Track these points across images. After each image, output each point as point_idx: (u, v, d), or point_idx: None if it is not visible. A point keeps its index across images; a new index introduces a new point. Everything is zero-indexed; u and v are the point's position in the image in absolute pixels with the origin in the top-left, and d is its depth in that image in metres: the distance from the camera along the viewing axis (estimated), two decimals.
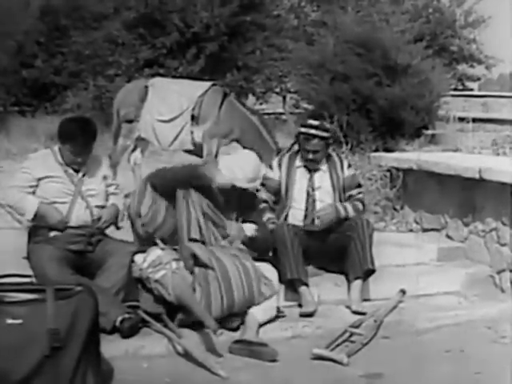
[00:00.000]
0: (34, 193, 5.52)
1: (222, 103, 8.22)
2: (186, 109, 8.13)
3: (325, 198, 6.24)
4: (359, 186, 6.49)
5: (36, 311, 4.01)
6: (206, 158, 8.13)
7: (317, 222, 6.15)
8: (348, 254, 6.02)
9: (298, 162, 6.34)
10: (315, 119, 6.28)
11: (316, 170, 6.30)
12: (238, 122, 8.20)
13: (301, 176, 6.30)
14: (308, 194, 6.26)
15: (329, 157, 6.37)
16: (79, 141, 5.52)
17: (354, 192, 6.31)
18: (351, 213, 6.17)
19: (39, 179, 5.50)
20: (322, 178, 6.30)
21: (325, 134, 6.21)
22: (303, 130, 6.23)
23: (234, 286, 5.29)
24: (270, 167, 6.37)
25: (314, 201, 6.24)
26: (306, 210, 6.23)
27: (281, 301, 5.78)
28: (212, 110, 8.15)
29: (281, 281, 5.83)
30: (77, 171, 5.61)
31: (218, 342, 5.06)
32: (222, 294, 5.26)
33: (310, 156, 6.21)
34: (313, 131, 6.17)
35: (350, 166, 6.46)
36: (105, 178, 5.77)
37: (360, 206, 6.28)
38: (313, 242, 6.11)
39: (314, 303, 5.82)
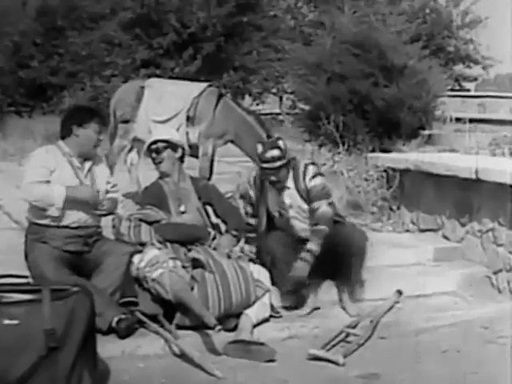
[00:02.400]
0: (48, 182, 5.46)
1: (217, 104, 8.23)
2: (181, 110, 8.15)
3: (301, 215, 5.95)
4: (325, 197, 5.88)
5: (32, 312, 4.00)
6: (202, 158, 8.14)
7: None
8: (341, 272, 5.95)
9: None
10: (274, 148, 5.85)
11: (283, 188, 5.94)
12: (234, 122, 8.21)
13: (272, 196, 6.02)
14: (280, 214, 6.01)
15: (295, 169, 5.95)
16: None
17: (315, 206, 5.82)
18: (316, 247, 5.69)
19: (51, 171, 5.44)
20: (292, 195, 5.93)
21: (285, 161, 5.83)
22: (266, 165, 5.82)
23: (232, 287, 5.29)
24: (249, 184, 6.13)
25: (288, 220, 5.98)
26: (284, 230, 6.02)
27: (277, 303, 5.77)
28: (207, 111, 8.17)
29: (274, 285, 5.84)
30: (81, 163, 5.56)
31: (215, 341, 5.06)
32: (219, 296, 5.26)
33: (273, 178, 5.85)
34: (278, 163, 5.79)
35: (316, 175, 5.91)
36: (107, 181, 5.74)
37: (322, 229, 5.74)
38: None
39: (311, 304, 5.83)
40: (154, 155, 5.87)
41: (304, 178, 5.87)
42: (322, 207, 5.79)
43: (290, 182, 5.92)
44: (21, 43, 18.36)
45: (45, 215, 5.37)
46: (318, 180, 5.91)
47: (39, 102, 18.21)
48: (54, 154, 5.50)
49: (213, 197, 5.97)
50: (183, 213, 5.74)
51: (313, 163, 6.11)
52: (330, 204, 5.89)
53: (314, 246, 5.69)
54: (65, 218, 5.43)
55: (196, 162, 8.11)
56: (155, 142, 5.89)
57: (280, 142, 5.88)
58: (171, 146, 5.89)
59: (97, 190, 5.54)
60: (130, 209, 5.83)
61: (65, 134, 5.56)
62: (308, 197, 5.86)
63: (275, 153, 5.79)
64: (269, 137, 8.26)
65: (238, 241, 5.83)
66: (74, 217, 5.46)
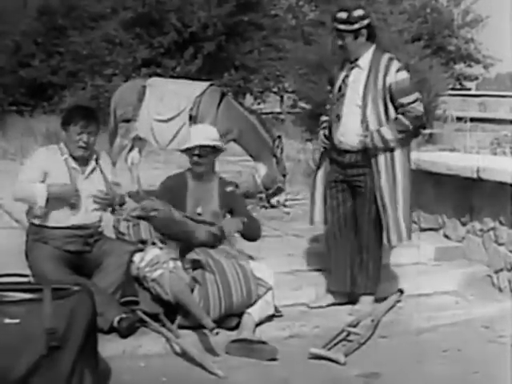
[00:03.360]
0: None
1: (219, 103, 8.22)
2: (184, 109, 8.13)
3: (354, 99, 5.66)
4: (415, 90, 5.68)
5: (33, 311, 3.99)
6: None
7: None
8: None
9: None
10: (345, 10, 5.63)
11: (354, 63, 5.70)
12: (236, 121, 8.21)
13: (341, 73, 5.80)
14: (340, 89, 5.75)
15: (376, 54, 5.71)
16: (89, 115, 5.49)
17: (404, 100, 5.58)
18: (392, 136, 5.58)
19: (46, 173, 5.43)
20: (358, 75, 5.69)
21: (354, 27, 5.58)
22: (334, 24, 5.68)
23: (232, 287, 5.27)
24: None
25: (342, 96, 5.72)
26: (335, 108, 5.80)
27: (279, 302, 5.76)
28: (210, 110, 8.16)
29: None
30: (81, 166, 5.53)
31: (215, 341, 5.05)
32: (220, 296, 5.24)
33: (340, 42, 5.68)
34: (341, 26, 5.62)
35: (402, 69, 5.66)
36: (107, 179, 5.70)
37: (406, 121, 5.57)
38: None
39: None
40: (195, 158, 5.60)
41: (387, 73, 5.59)
42: (414, 103, 5.58)
43: (364, 62, 5.67)
44: (22, 42, 18.35)
45: (44, 218, 5.38)
46: (405, 74, 5.65)
47: (40, 101, 18.20)
48: (54, 155, 5.49)
49: (235, 206, 5.77)
50: (199, 214, 5.62)
51: (397, 58, 5.78)
52: (421, 100, 5.66)
53: (389, 133, 5.57)
54: (62, 220, 5.43)
55: None
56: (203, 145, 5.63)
57: (357, 10, 5.60)
58: (215, 149, 5.71)
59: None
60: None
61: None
62: (392, 92, 5.57)
63: (342, 15, 5.58)
64: (272, 137, 8.28)
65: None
66: (73, 220, 5.46)
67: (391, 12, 13.79)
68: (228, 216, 5.72)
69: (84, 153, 5.49)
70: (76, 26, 18.39)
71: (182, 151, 5.77)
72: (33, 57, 18.39)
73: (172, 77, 14.79)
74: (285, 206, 8.51)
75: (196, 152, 5.60)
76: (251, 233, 5.72)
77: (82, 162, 5.53)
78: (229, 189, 5.79)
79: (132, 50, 17.78)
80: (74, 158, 5.49)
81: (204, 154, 5.60)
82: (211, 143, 5.64)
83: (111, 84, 16.35)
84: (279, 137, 8.39)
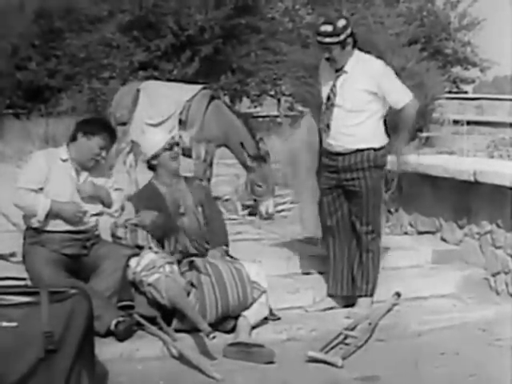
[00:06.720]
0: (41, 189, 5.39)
1: (207, 108, 8.15)
2: (173, 113, 8.09)
3: (345, 103, 5.69)
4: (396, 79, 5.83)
5: (31, 314, 3.99)
6: (195, 162, 8.10)
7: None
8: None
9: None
10: (328, 23, 5.59)
11: (339, 71, 5.71)
12: (222, 126, 8.10)
13: (328, 76, 5.82)
14: (328, 98, 5.78)
15: (359, 56, 5.75)
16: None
17: (398, 100, 5.70)
18: (404, 143, 5.93)
19: (46, 178, 5.39)
20: (345, 81, 5.71)
21: (341, 38, 5.56)
22: (318, 38, 5.64)
23: (228, 290, 5.27)
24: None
25: (332, 105, 5.74)
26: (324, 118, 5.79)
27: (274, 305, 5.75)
28: (198, 115, 8.09)
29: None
30: (78, 173, 5.52)
31: (212, 344, 5.04)
32: (216, 299, 5.24)
33: (326, 54, 5.65)
34: (327, 40, 5.57)
35: (379, 58, 5.84)
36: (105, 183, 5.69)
37: (411, 111, 5.77)
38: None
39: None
40: (173, 154, 5.70)
41: (372, 65, 5.70)
42: (406, 100, 5.72)
43: (349, 67, 5.68)
44: (19, 45, 18.33)
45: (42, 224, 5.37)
46: (390, 71, 5.79)
47: (37, 104, 18.19)
48: (53, 160, 5.46)
49: (204, 198, 5.84)
50: (182, 214, 5.68)
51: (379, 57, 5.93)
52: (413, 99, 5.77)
53: (403, 138, 5.86)
54: (60, 224, 5.42)
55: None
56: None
57: (340, 21, 5.60)
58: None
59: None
60: (130, 212, 5.79)
61: (71, 138, 5.55)
62: (380, 80, 5.65)
63: (327, 28, 5.53)
64: (256, 141, 8.14)
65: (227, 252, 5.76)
66: (66, 227, 5.45)
67: (388, 15, 13.80)
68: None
69: (93, 165, 5.51)
70: (73, 29, 18.39)
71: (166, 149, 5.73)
72: (30, 60, 18.37)
73: (169, 80, 14.81)
74: (282, 210, 8.50)
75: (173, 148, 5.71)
76: (216, 225, 5.81)
77: (80, 168, 5.52)
78: (197, 183, 5.96)
79: (129, 53, 17.79)
80: (73, 164, 5.49)
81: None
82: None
83: (108, 87, 16.37)
84: (261, 139, 8.25)
